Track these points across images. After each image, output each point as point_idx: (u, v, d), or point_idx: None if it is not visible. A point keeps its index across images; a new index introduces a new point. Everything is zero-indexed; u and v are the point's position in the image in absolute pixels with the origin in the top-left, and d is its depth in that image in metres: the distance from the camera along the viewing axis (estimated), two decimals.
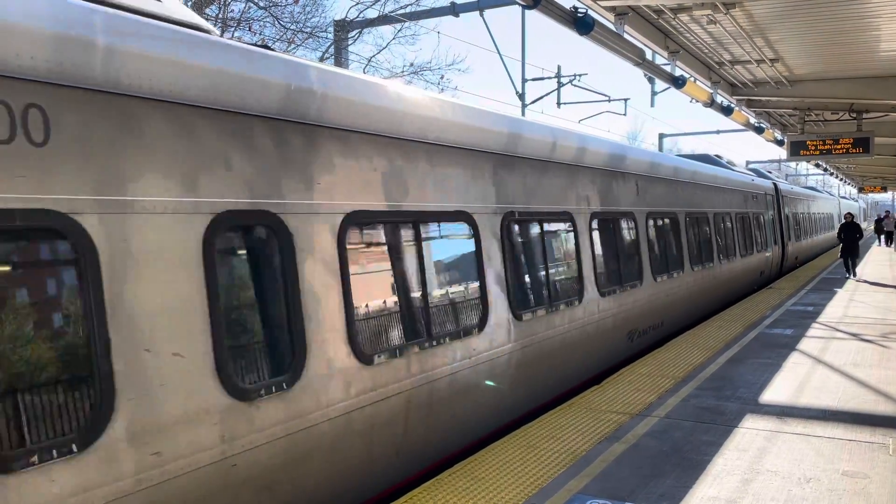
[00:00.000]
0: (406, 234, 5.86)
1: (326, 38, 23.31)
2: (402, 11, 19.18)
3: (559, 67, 25.46)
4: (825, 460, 5.68)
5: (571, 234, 8.69)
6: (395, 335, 5.59)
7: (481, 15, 16.93)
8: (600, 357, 9.42)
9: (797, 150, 17.17)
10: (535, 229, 7.90)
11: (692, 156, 20.17)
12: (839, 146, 16.56)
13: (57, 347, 3.51)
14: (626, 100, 27.23)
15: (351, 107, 5.35)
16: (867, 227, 64.40)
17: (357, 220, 5.30)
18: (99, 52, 3.73)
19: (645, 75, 15.06)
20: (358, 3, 21.96)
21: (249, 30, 21.61)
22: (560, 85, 25.12)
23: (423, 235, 6.01)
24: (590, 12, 8.97)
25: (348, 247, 5.19)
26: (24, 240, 3.45)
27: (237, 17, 21.79)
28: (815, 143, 16.95)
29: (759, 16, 10.29)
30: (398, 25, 23.21)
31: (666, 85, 13.62)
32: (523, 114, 21.34)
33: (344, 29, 20.09)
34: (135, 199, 3.86)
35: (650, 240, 11.28)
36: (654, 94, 23.18)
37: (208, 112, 4.31)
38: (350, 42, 21.09)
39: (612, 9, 9.32)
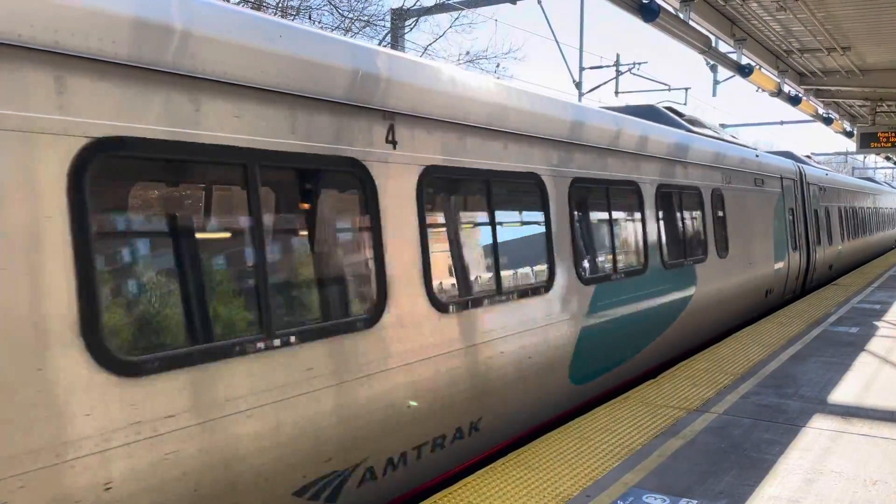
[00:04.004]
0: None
1: (384, 26, 23.43)
2: None
3: (618, 56, 25.05)
4: (893, 463, 5.49)
5: (830, 214, 19.04)
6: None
7: (539, 2, 16.76)
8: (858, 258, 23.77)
9: (867, 142, 16.57)
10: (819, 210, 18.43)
11: (859, 178, 35.57)
12: None
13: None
14: (686, 89, 26.57)
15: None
16: None
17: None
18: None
19: (707, 63, 14.70)
20: None
21: (309, 18, 21.85)
22: (619, 73, 24.72)
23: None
24: None
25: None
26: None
27: (296, 5, 22.05)
28: (886, 134, 16.33)
29: (832, 3, 9.93)
30: (455, 13, 23.17)
31: (728, 74, 13.27)
32: (580, 100, 21.08)
33: (401, 17, 20.14)
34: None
35: (868, 218, 25.60)
36: (716, 83, 22.60)
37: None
38: (407, 30, 21.14)
39: None
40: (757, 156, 13.13)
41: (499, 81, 6.54)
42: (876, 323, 11.75)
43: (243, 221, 4.11)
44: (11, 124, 3.07)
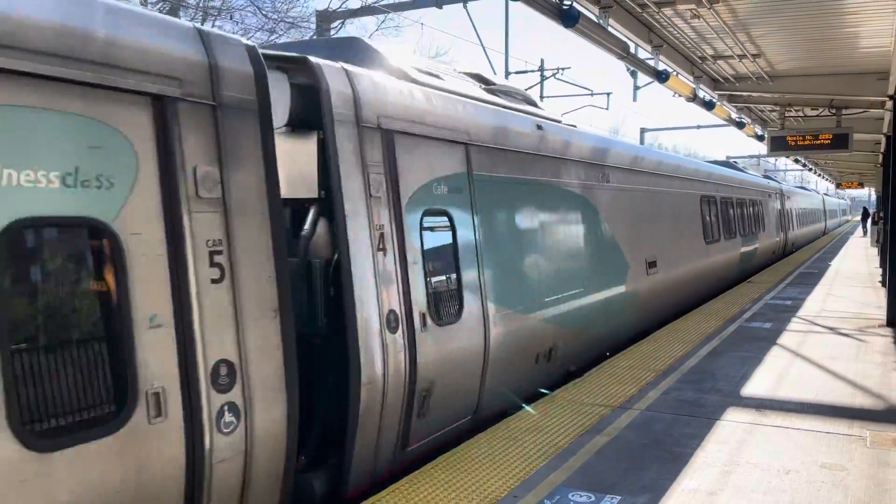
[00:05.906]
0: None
1: (308, 28, 23.14)
2: (385, 2, 19.05)
3: (542, 61, 25.45)
4: (804, 452, 5.75)
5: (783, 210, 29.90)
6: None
7: (465, 6, 16.86)
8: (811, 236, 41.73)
9: (777, 145, 17.29)
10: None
11: (799, 187, 47.89)
12: (819, 142, 16.70)
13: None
14: (608, 94, 27.26)
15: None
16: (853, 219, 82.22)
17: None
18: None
19: (628, 69, 15.09)
20: None
21: (231, 19, 21.39)
22: (543, 78, 25.13)
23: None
24: (575, 4, 8.95)
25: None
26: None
27: (218, 5, 21.55)
28: (794, 138, 17.07)
29: (742, 11, 10.34)
30: (381, 16, 23.10)
31: (648, 80, 13.66)
32: None
33: (326, 19, 19.91)
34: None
35: (807, 215, 38.22)
36: (636, 88, 23.23)
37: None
38: (333, 32, 20.92)
39: (596, 1, 9.31)
40: (769, 182, 25.71)
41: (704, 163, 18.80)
42: (787, 318, 12.31)
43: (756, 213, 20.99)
44: None
